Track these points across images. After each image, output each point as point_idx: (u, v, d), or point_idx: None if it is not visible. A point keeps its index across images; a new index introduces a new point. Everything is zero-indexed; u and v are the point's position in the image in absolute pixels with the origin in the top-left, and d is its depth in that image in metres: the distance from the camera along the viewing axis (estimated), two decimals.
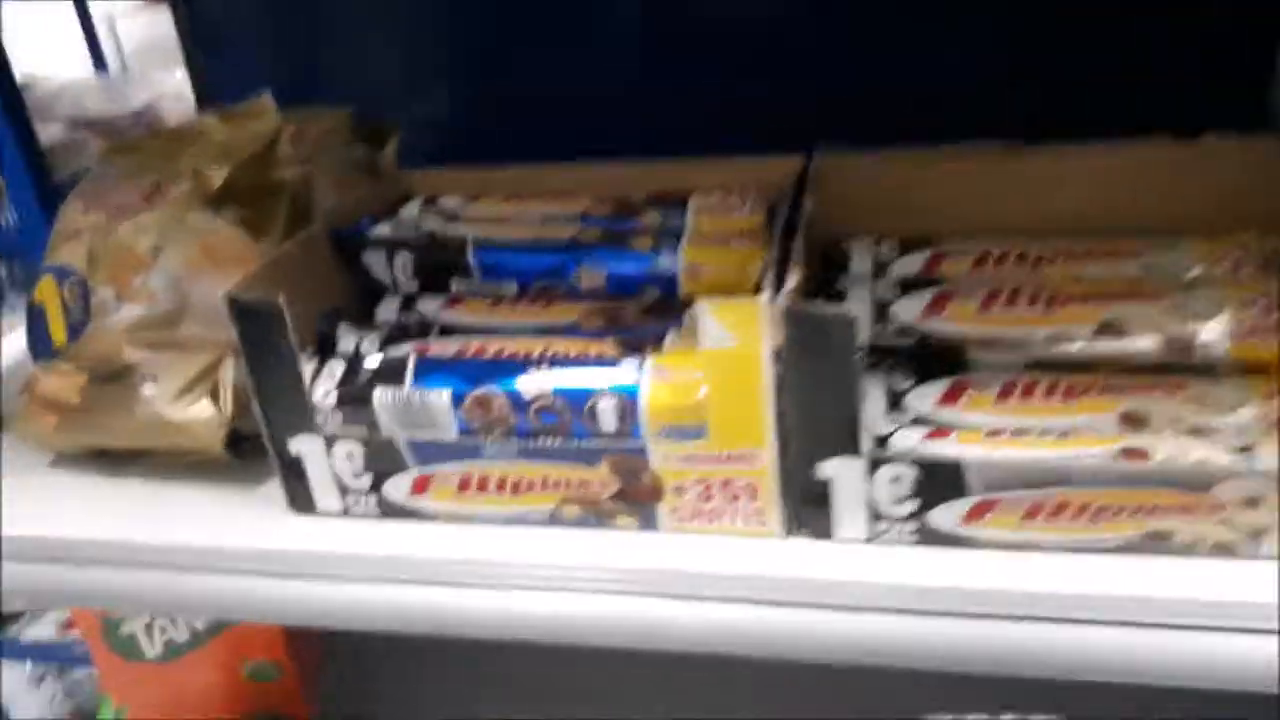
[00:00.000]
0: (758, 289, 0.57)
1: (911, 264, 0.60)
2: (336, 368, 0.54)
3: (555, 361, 0.53)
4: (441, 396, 0.52)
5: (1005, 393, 0.52)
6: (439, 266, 0.61)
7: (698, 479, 0.51)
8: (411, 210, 0.67)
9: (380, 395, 0.53)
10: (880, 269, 0.60)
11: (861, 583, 0.49)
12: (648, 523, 0.53)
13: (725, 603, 0.51)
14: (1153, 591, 0.46)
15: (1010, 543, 0.49)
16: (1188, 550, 0.47)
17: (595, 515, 0.53)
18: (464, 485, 0.54)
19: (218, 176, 0.62)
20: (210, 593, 0.58)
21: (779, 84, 0.78)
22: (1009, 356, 0.54)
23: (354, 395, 0.53)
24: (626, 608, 0.52)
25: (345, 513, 0.56)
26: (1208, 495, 0.45)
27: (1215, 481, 0.45)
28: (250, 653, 0.97)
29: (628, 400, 0.50)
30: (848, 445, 0.48)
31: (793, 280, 0.48)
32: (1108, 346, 0.53)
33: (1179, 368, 0.52)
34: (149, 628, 0.96)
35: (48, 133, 1.04)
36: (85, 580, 0.60)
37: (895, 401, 0.52)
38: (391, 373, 0.53)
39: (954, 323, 0.55)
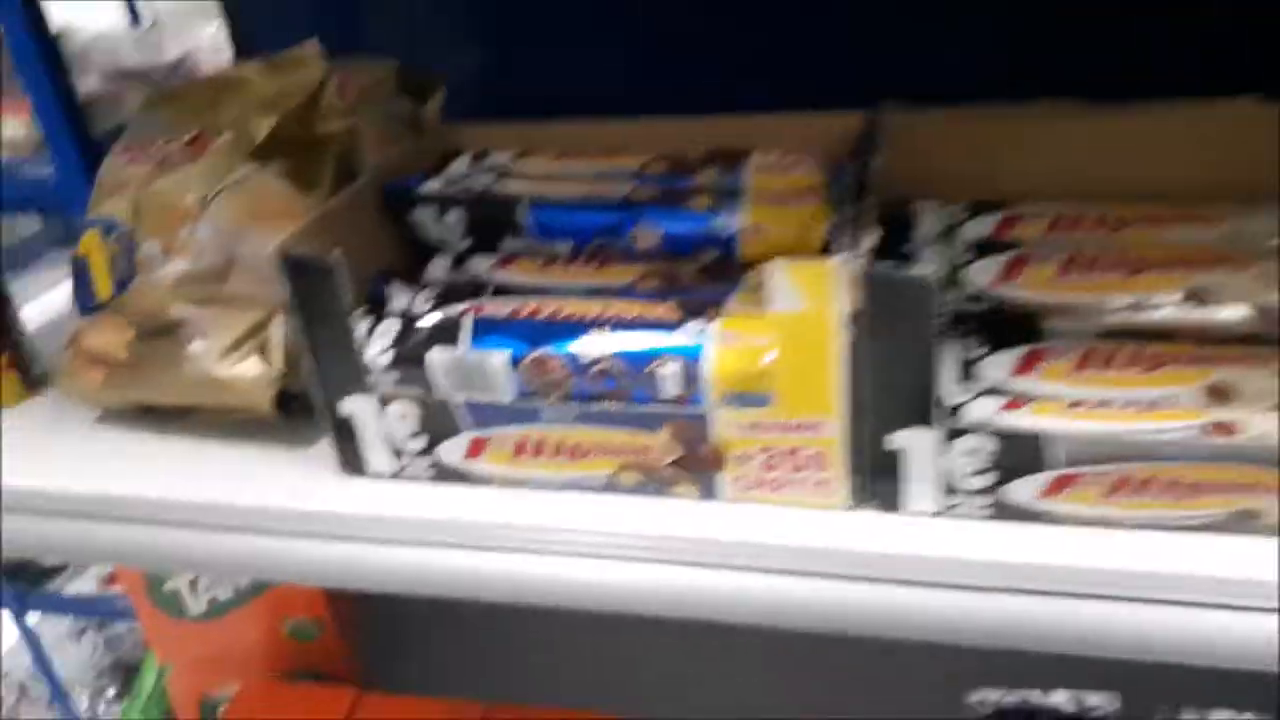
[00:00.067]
0: (822, 250, 0.55)
1: (982, 227, 0.57)
2: (391, 326, 0.53)
3: (615, 324, 0.51)
4: (499, 358, 0.50)
5: (1083, 362, 0.50)
6: (491, 224, 0.59)
7: (762, 447, 0.49)
8: (460, 166, 0.65)
9: (436, 355, 0.51)
10: (948, 231, 0.58)
11: (931, 557, 0.47)
12: (708, 492, 0.51)
13: (787, 575, 0.49)
14: (1239, 572, 0.44)
15: (1088, 518, 0.47)
16: (1276, 530, 0.45)
17: (654, 483, 0.52)
18: (520, 449, 0.52)
19: (263, 128, 0.60)
20: (258, 554, 0.57)
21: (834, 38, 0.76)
22: (1086, 324, 0.52)
23: (409, 355, 0.51)
24: (684, 578, 0.51)
25: (397, 475, 0.55)
26: None
27: None
28: (291, 611, 0.97)
29: (691, 365, 0.49)
30: (922, 415, 0.46)
31: (868, 241, 0.46)
32: (1193, 315, 0.50)
33: (1268, 339, 0.49)
34: (193, 585, 0.96)
35: (85, 85, 1.02)
36: (131, 539, 0.59)
37: (967, 370, 0.50)
38: (447, 333, 0.52)
39: (1030, 289, 0.53)
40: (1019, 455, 0.46)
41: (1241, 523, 0.45)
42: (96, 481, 0.59)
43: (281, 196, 0.59)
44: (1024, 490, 0.47)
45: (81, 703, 1.52)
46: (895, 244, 0.56)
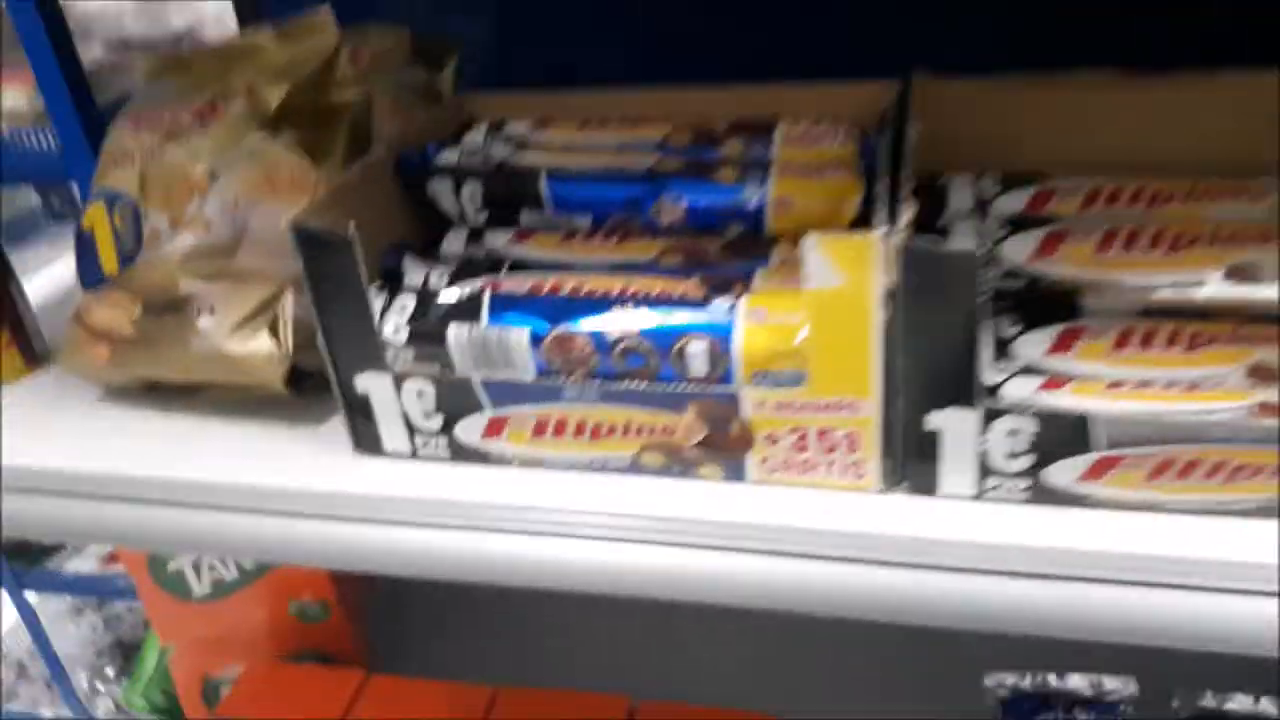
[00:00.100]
0: (853, 224, 0.54)
1: (1015, 201, 0.55)
2: (407, 302, 0.51)
3: (640, 300, 0.49)
4: (520, 335, 0.49)
5: (1121, 341, 0.48)
6: (509, 197, 0.58)
7: (792, 428, 0.48)
8: (476, 137, 0.63)
9: (455, 332, 0.49)
10: (981, 206, 0.56)
11: (968, 542, 0.45)
12: (734, 473, 0.50)
13: (816, 560, 0.48)
14: None
15: (1130, 502, 0.45)
16: None
17: (678, 464, 0.50)
18: (540, 429, 0.51)
19: (275, 96, 0.58)
20: (269, 536, 0.55)
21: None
22: (1125, 302, 0.50)
23: (427, 331, 0.50)
24: (708, 562, 0.49)
25: (414, 454, 0.54)
26: None
27: None
28: (297, 592, 0.96)
29: (720, 343, 0.47)
30: (961, 395, 0.44)
31: (907, 214, 0.44)
32: (1237, 293, 0.49)
33: None
34: (196, 565, 0.94)
35: (88, 54, 1.00)
36: (135, 519, 0.58)
37: (1001, 349, 0.49)
38: (466, 309, 0.50)
39: (1067, 265, 0.51)
40: (1060, 436, 0.44)
41: None
42: (100, 460, 0.58)
43: (294, 168, 0.57)
44: (1064, 473, 0.45)
45: (80, 682, 1.51)
46: (928, 218, 0.55)
